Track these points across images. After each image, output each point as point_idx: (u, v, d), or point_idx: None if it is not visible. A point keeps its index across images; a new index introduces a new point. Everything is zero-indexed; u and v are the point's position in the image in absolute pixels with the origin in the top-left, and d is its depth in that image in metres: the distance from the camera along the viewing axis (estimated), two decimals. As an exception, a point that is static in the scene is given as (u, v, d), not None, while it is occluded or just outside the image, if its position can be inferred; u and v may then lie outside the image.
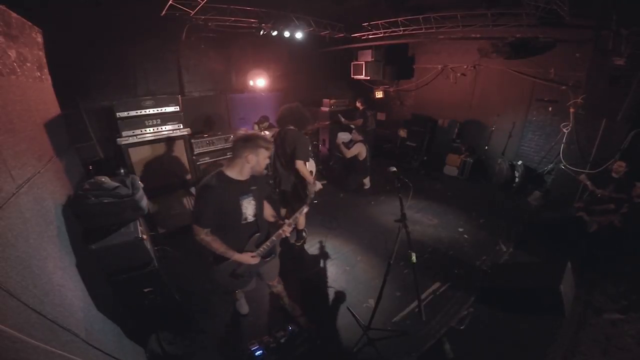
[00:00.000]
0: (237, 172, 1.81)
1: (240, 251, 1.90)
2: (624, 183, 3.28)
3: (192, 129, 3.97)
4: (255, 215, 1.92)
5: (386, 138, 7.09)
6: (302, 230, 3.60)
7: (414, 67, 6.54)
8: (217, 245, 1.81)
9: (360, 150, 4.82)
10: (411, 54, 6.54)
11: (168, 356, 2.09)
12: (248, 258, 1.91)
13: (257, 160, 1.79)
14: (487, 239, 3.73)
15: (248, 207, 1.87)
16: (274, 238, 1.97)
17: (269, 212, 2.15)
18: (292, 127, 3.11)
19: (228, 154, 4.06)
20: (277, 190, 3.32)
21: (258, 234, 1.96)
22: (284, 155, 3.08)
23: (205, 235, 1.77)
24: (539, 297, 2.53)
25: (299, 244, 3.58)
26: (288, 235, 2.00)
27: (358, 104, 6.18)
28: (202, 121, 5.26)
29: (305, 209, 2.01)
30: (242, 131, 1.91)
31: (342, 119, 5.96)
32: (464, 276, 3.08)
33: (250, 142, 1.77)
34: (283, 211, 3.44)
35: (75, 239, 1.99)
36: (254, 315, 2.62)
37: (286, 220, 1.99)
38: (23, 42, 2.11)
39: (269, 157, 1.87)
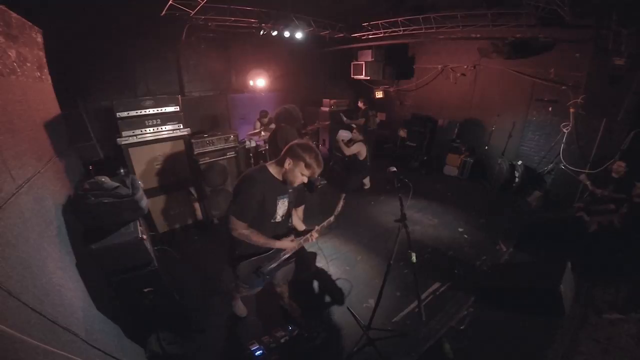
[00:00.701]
0: (277, 171, 1.80)
1: (266, 251, 1.91)
2: (624, 183, 3.27)
3: (192, 129, 3.97)
4: (283, 216, 1.93)
5: (386, 138, 7.09)
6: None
7: (414, 67, 6.54)
8: (257, 238, 1.80)
9: (360, 149, 4.82)
10: (411, 54, 6.54)
11: (168, 356, 2.08)
12: (288, 243, 1.92)
13: (292, 169, 1.73)
14: (487, 239, 3.73)
15: (281, 207, 1.88)
16: (301, 242, 1.98)
17: (297, 219, 2.17)
18: (283, 125, 3.30)
19: (228, 154, 4.06)
20: None
21: (285, 235, 1.98)
22: (277, 149, 3.20)
23: (244, 229, 1.76)
24: (539, 297, 2.53)
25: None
26: (313, 241, 2.01)
27: (360, 104, 6.19)
28: (208, 121, 5.28)
29: (332, 219, 2.03)
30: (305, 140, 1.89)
31: (344, 118, 5.96)
32: (464, 276, 3.08)
33: (298, 149, 1.72)
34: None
35: (75, 239, 1.99)
36: (254, 315, 2.62)
37: (315, 227, 2.00)
38: (23, 42, 2.11)
39: (305, 176, 1.78)
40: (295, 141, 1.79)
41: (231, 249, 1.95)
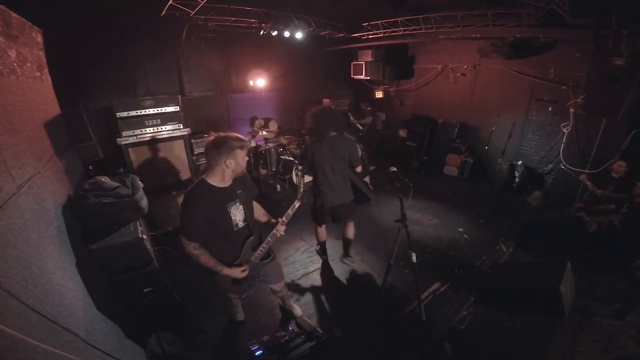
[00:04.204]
0: (219, 179, 1.71)
1: (237, 258, 1.86)
2: (624, 183, 3.27)
3: (192, 129, 3.97)
4: (245, 220, 1.86)
5: (386, 138, 7.09)
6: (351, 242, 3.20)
7: (414, 67, 6.53)
8: (206, 260, 1.75)
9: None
10: (411, 54, 6.54)
11: (168, 356, 2.08)
12: (238, 273, 1.84)
13: (237, 163, 1.69)
14: (487, 239, 3.72)
15: (237, 214, 1.80)
16: (269, 239, 1.91)
17: (260, 212, 2.09)
18: (335, 134, 2.70)
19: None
20: (324, 205, 2.76)
21: (252, 237, 1.91)
22: (341, 164, 2.69)
23: (193, 249, 1.71)
24: (539, 297, 2.53)
25: (347, 261, 3.23)
26: (283, 234, 1.91)
27: (363, 106, 6.13)
28: (208, 122, 5.29)
29: (297, 204, 1.92)
30: (212, 136, 1.79)
31: (351, 118, 5.93)
32: (464, 276, 3.08)
33: (223, 146, 1.64)
34: (351, 227, 3.09)
35: (75, 239, 1.99)
36: (254, 316, 2.61)
37: (279, 219, 1.92)
38: (23, 42, 2.11)
39: (248, 155, 1.75)
40: (208, 144, 1.67)
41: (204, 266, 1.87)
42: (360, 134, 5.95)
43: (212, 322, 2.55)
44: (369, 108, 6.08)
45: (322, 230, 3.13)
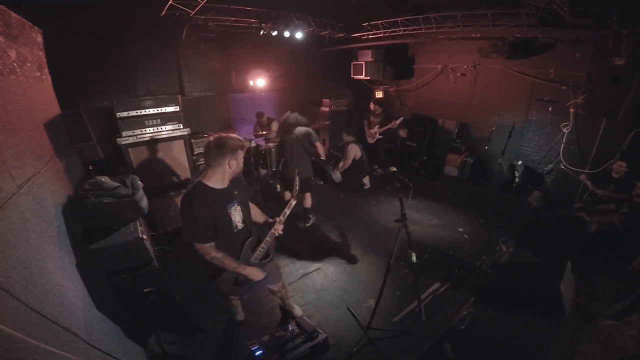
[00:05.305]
0: (219, 180, 1.71)
1: (237, 260, 1.85)
2: (624, 183, 3.28)
3: (192, 129, 3.97)
4: (244, 221, 1.87)
5: (386, 138, 7.08)
6: (309, 210, 3.99)
7: (414, 67, 6.53)
8: (229, 262, 1.75)
9: (355, 151, 4.82)
10: (411, 54, 6.54)
11: (168, 356, 2.09)
12: (258, 273, 1.88)
13: (238, 163, 1.71)
14: (487, 239, 3.72)
15: (236, 215, 1.81)
16: (268, 239, 1.91)
17: (256, 212, 2.09)
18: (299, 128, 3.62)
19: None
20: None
21: (250, 238, 1.91)
22: (306, 146, 3.65)
23: (216, 253, 1.70)
24: (539, 297, 2.53)
25: (308, 224, 4.02)
26: (281, 233, 1.92)
27: (374, 107, 5.95)
28: (208, 122, 5.30)
29: (293, 203, 1.95)
30: (212, 136, 1.79)
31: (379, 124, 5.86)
32: (464, 276, 3.08)
33: (226, 146, 1.65)
34: (308, 198, 3.95)
35: (75, 239, 1.99)
36: (254, 316, 2.62)
37: (277, 219, 1.93)
38: (23, 42, 2.11)
39: (246, 156, 1.81)
40: (209, 145, 1.67)
41: (205, 269, 1.89)
42: (374, 141, 5.87)
43: (212, 322, 2.55)
44: (379, 110, 5.86)
45: (287, 194, 3.86)
